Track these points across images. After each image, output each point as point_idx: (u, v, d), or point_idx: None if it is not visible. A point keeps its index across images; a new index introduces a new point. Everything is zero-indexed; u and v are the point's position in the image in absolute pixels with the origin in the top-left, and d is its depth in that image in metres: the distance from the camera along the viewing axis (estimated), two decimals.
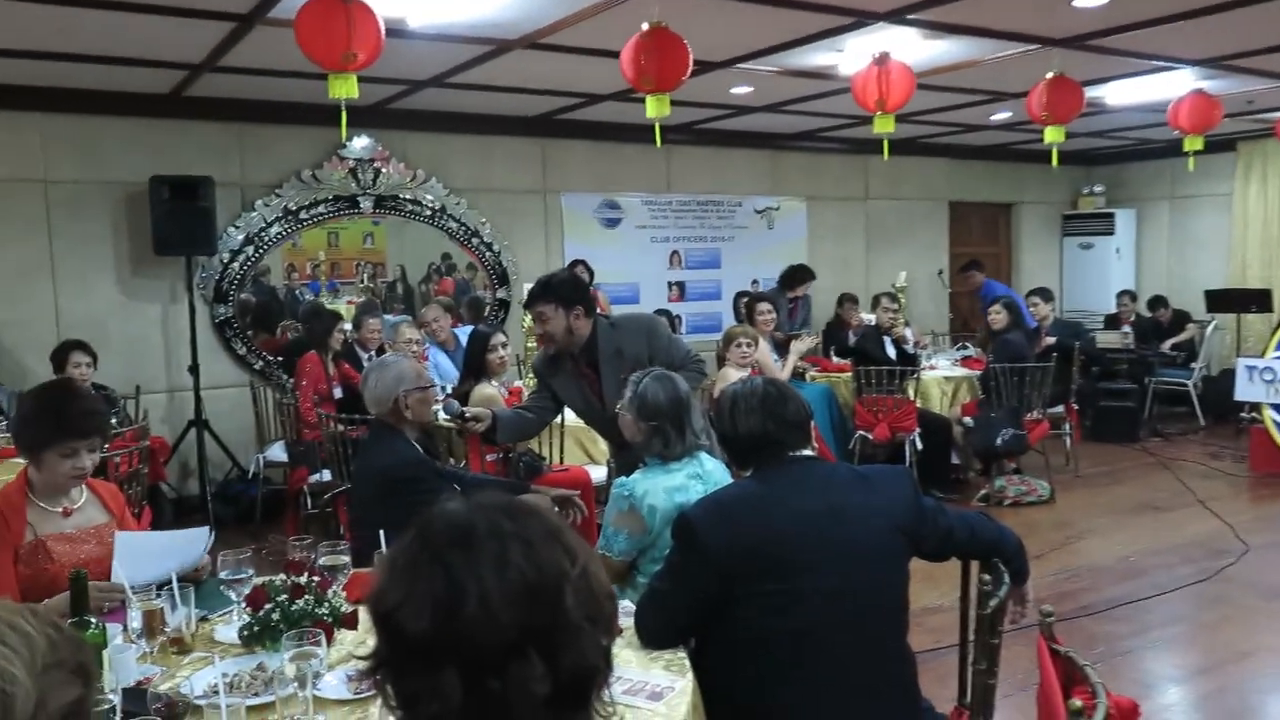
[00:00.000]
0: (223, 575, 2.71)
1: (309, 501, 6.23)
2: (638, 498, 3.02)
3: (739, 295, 9.21)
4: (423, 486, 3.30)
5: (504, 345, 5.80)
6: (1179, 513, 7.18)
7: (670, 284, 9.83)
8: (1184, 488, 7.87)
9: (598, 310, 3.98)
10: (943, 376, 8.00)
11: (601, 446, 5.63)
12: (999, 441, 7.39)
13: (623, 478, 3.09)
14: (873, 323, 8.39)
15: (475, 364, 5.81)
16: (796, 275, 9.10)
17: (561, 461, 5.75)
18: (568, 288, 3.94)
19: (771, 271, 9.86)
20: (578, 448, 5.90)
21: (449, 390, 5.97)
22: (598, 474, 5.65)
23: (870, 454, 7.53)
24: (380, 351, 6.76)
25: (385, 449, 3.45)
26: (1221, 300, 10.42)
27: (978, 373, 7.93)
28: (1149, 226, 12.08)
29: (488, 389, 5.59)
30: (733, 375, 6.26)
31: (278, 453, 7.01)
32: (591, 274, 8.40)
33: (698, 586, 2.34)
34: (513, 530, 1.33)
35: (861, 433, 7.64)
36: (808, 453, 2.52)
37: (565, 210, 9.15)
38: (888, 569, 2.38)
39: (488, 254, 8.79)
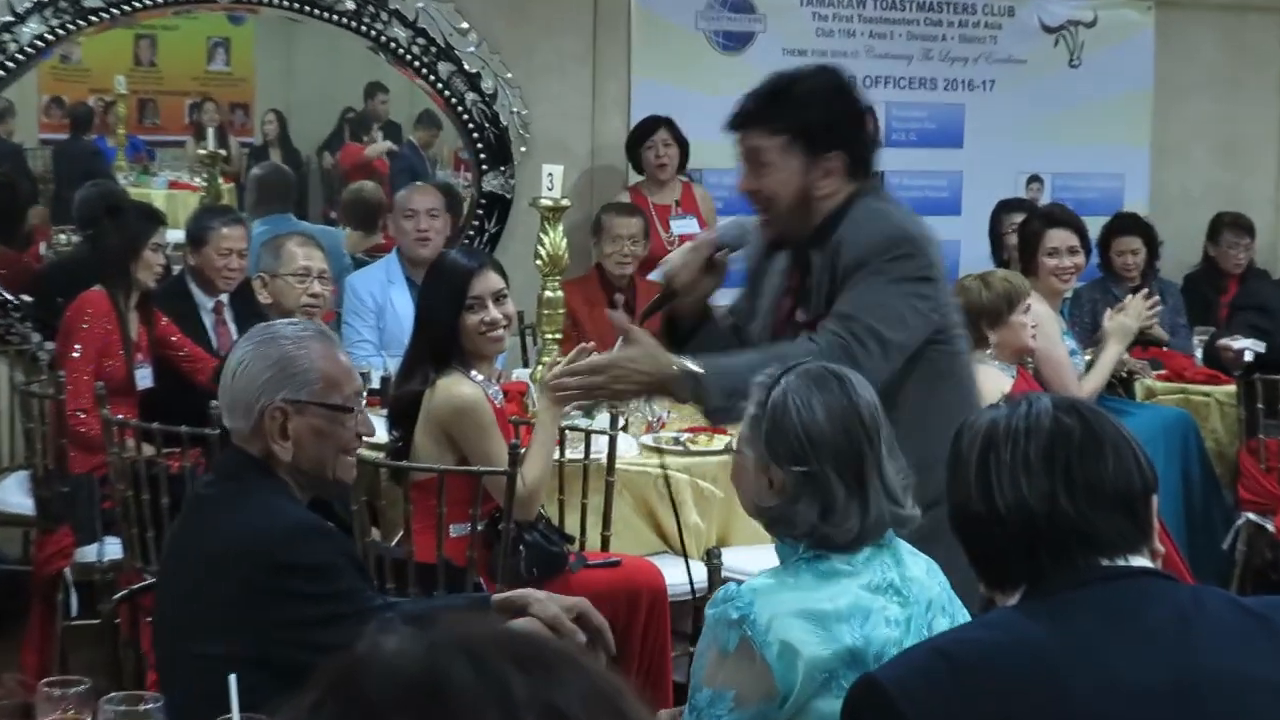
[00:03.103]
0: None
1: (74, 600, 6.11)
2: (758, 628, 3.03)
3: (1003, 207, 8.70)
4: (332, 591, 3.25)
5: (502, 296, 5.37)
6: None
7: None
8: None
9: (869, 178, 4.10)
10: None
11: (690, 518, 5.60)
12: None
13: (733, 585, 3.15)
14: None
15: (441, 333, 5.22)
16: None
17: (606, 546, 5.59)
18: (820, 106, 3.90)
19: (1078, 160, 9.81)
20: (641, 515, 5.77)
21: (376, 381, 6.23)
22: (677, 572, 5.20)
23: (1270, 561, 7.33)
24: (244, 297, 6.71)
25: (251, 507, 3.37)
26: None
27: None
28: None
29: (462, 386, 5.20)
30: (988, 382, 5.38)
31: (12, 495, 6.89)
32: (686, 148, 8.13)
33: None
34: (529, 698, 1.25)
35: (1250, 516, 7.07)
36: (1141, 561, 2.44)
37: (636, 10, 8.69)
38: None
39: (469, 96, 8.34)
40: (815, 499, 3.14)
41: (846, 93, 4.05)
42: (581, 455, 5.55)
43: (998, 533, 2.47)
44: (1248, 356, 7.77)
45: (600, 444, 5.50)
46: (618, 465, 5.55)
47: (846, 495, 3.12)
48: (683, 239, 7.59)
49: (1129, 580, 2.43)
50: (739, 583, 3.23)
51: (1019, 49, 9.51)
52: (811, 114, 3.92)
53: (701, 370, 3.81)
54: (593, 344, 5.24)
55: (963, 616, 3.14)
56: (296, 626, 3.04)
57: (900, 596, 3.13)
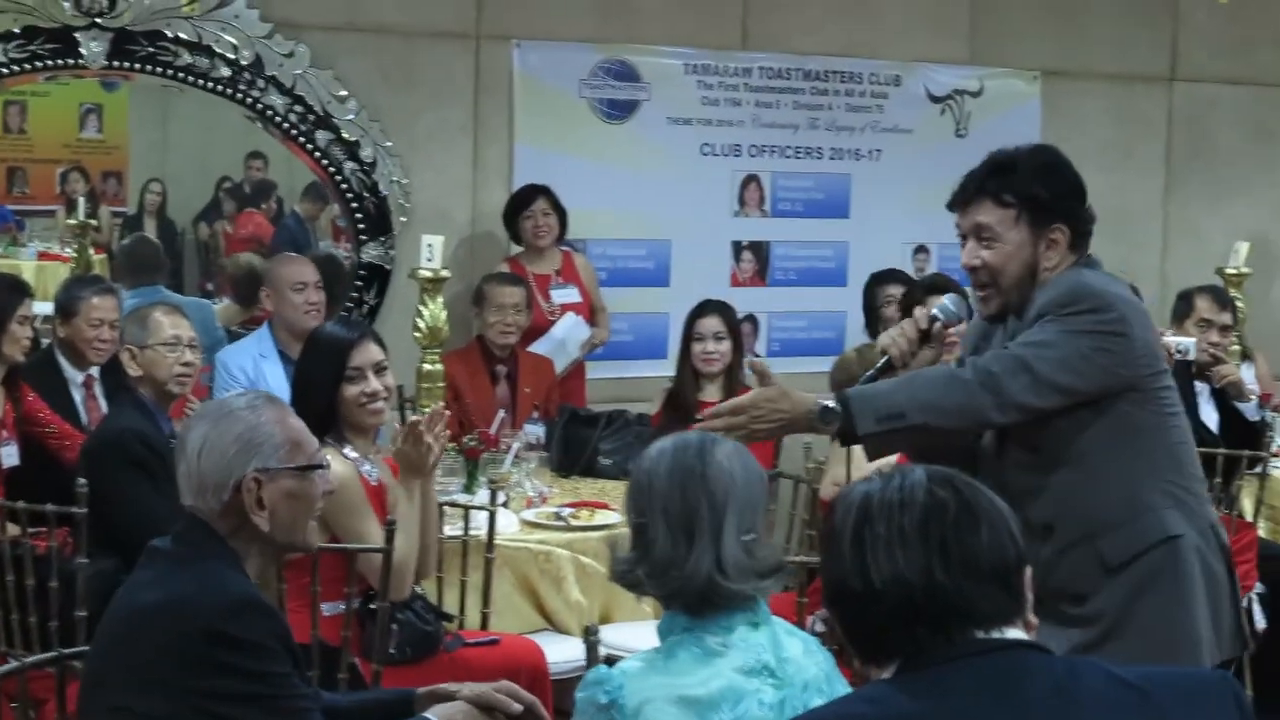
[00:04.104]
0: None
1: None
2: (626, 712, 3.02)
3: (876, 279, 8.49)
4: (260, 670, 3.19)
5: (382, 368, 5.30)
6: None
7: (739, 247, 9.35)
8: None
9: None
10: None
11: (572, 595, 5.70)
12: None
13: (603, 667, 3.15)
14: (1182, 352, 7.41)
15: (319, 406, 5.08)
16: None
17: (486, 624, 5.59)
18: (1045, 180, 3.98)
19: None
20: (521, 593, 5.79)
21: None
22: (560, 650, 5.52)
23: None
24: (113, 371, 6.48)
25: (198, 571, 3.33)
26: None
27: None
28: None
29: (333, 464, 4.59)
30: (861, 456, 5.38)
31: None
32: (563, 215, 8.09)
33: None
34: None
35: None
36: (1016, 634, 2.39)
37: (519, 77, 8.69)
38: None
39: (348, 165, 8.20)
40: (644, 550, 3.17)
41: (1067, 168, 4.13)
42: (460, 531, 5.48)
43: (873, 607, 2.43)
44: (1177, 356, 7.59)
45: (479, 520, 5.43)
46: (497, 541, 5.52)
47: (671, 550, 3.12)
48: (564, 309, 7.55)
49: (1005, 653, 2.40)
50: (609, 664, 3.23)
51: (905, 119, 9.53)
52: (1038, 188, 3.99)
53: (837, 405, 3.85)
54: (443, 406, 5.24)
55: (842, 693, 3.11)
56: (215, 697, 3.01)
57: (775, 679, 3.10)
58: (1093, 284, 4.07)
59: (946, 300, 4.29)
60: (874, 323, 8.33)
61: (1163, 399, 4.07)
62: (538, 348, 7.47)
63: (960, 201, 4.13)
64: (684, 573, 3.14)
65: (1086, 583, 3.85)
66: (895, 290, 7.86)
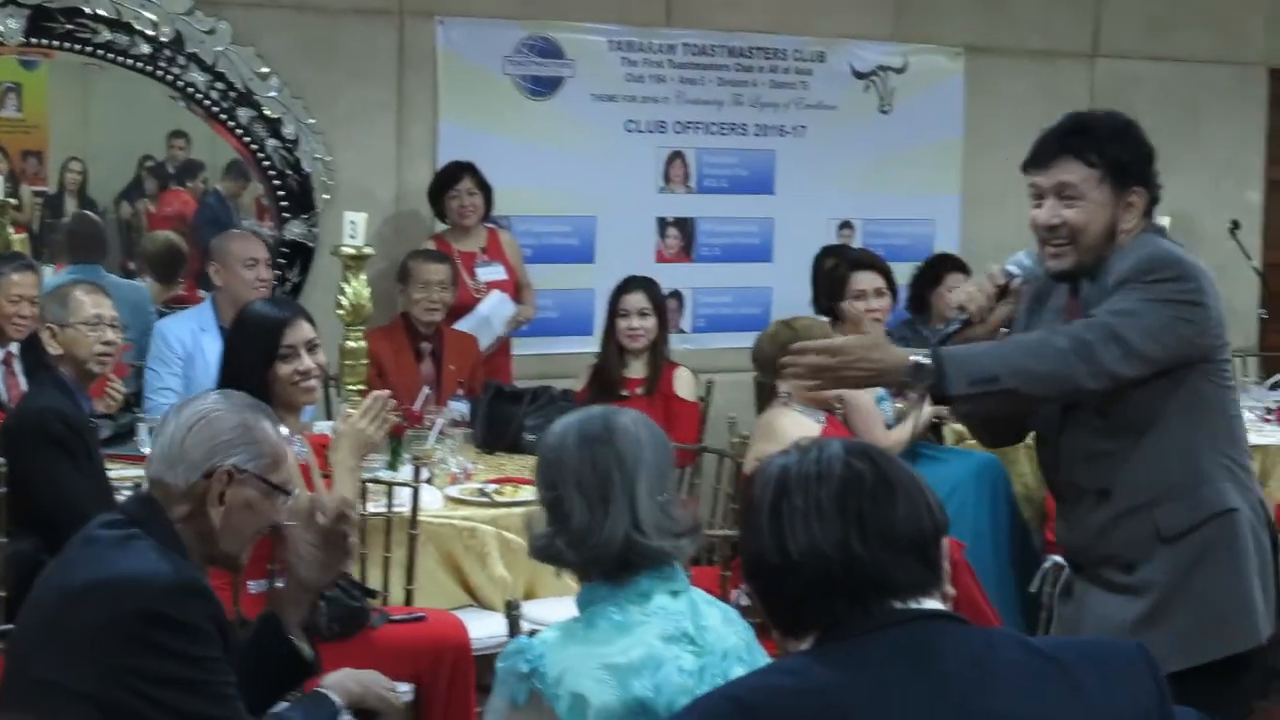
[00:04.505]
0: None
1: None
2: (548, 680, 3.07)
3: (823, 255, 8.69)
4: (193, 655, 3.21)
5: (314, 345, 5.33)
6: None
7: (664, 223, 9.41)
8: None
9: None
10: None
11: (496, 571, 5.64)
12: None
13: (524, 637, 3.23)
14: None
15: (251, 386, 4.68)
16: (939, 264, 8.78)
17: (410, 600, 5.50)
18: (1125, 143, 4.04)
19: (889, 206, 9.91)
20: (445, 569, 5.72)
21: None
22: (484, 625, 5.46)
23: None
24: (34, 349, 6.26)
25: (140, 550, 3.32)
26: None
27: None
28: None
29: None
30: (787, 430, 5.68)
31: None
32: (489, 193, 8.11)
33: None
34: None
35: (1057, 559, 6.38)
36: (933, 604, 2.42)
37: (443, 54, 8.70)
38: None
39: (270, 142, 8.24)
40: (561, 522, 3.21)
41: (1142, 133, 4.17)
42: (384, 508, 5.47)
43: (791, 579, 2.46)
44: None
45: (403, 496, 5.43)
46: (421, 518, 5.51)
47: (589, 517, 3.16)
48: (489, 286, 7.58)
49: (922, 624, 2.43)
50: (530, 635, 3.29)
51: (830, 95, 9.56)
52: (1119, 150, 4.04)
53: (931, 361, 3.87)
54: (389, 393, 5.13)
55: (763, 663, 3.12)
56: (147, 678, 3.00)
57: (695, 646, 3.12)
58: (1172, 252, 4.12)
59: (1022, 255, 4.30)
60: (817, 290, 8.36)
61: (1225, 372, 4.13)
62: (463, 325, 7.47)
63: (1042, 159, 4.14)
64: (602, 538, 3.17)
65: (1140, 550, 3.86)
66: (829, 261, 7.93)
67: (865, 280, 7.33)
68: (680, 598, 3.22)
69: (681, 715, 2.47)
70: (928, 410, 6.84)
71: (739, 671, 3.04)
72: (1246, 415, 8.05)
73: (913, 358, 3.89)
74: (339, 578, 5.17)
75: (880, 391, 6.97)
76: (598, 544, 3.20)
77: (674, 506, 3.32)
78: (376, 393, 5.17)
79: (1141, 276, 4.02)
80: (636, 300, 7.04)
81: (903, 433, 6.79)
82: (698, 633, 3.16)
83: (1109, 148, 4.07)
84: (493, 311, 7.70)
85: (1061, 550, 4.46)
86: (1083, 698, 2.38)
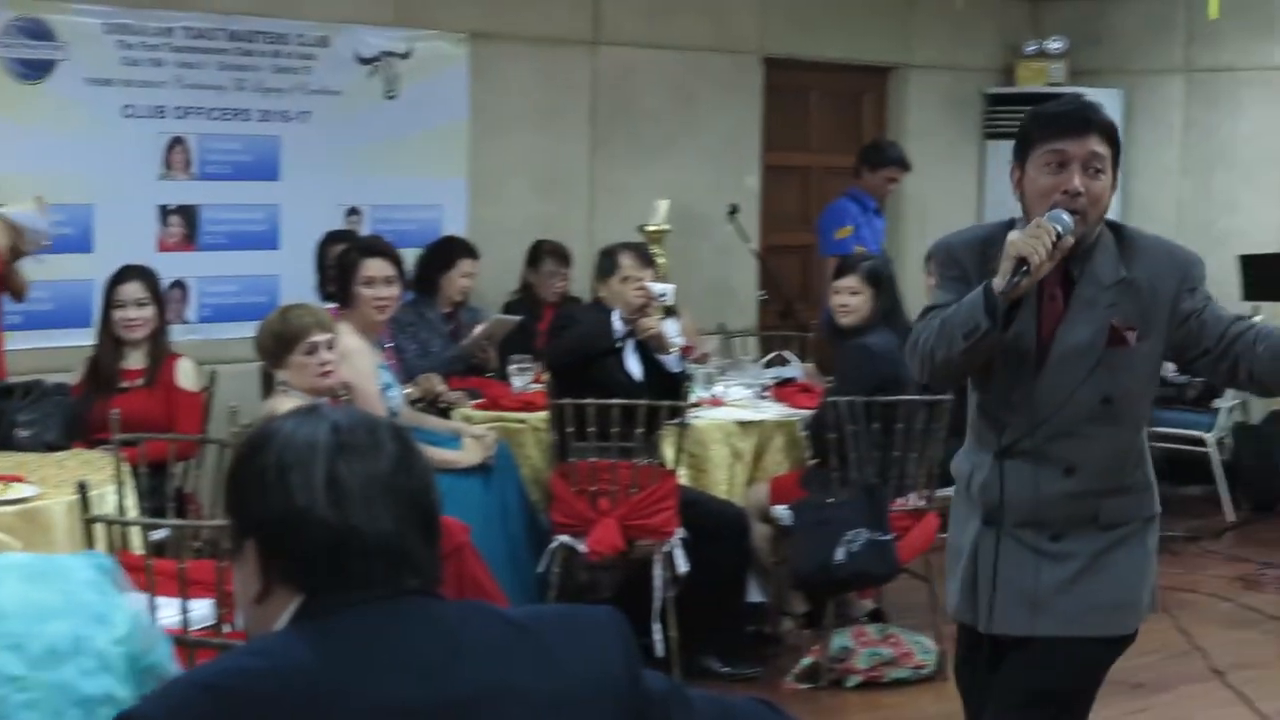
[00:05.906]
0: None
1: None
2: None
3: (331, 238, 8.82)
4: None
5: None
6: (1181, 695, 7.24)
7: (166, 211, 9.27)
8: (1190, 646, 7.93)
9: None
10: (737, 421, 8.03)
11: None
12: (841, 556, 7.07)
13: None
14: (663, 296, 8.05)
15: None
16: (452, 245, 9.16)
17: None
18: (1117, 137, 4.37)
19: (397, 191, 10.05)
20: None
21: None
22: None
23: (585, 583, 7.60)
24: None
25: None
26: (1273, 274, 10.79)
27: (808, 413, 7.98)
28: (1149, 122, 12.53)
29: None
30: (286, 406, 5.76)
31: None
32: None
33: None
34: None
35: (563, 539, 7.27)
36: (414, 581, 2.43)
37: None
38: None
39: None
40: None
41: None
42: None
43: (278, 544, 2.45)
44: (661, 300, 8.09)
45: None
46: None
47: None
48: None
49: (398, 600, 2.44)
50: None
51: (334, 80, 9.61)
52: (1117, 143, 4.29)
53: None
54: None
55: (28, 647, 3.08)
56: None
57: None
58: (1146, 237, 4.45)
59: (1061, 213, 4.33)
60: (326, 282, 8.36)
61: None
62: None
63: (1076, 130, 4.23)
64: None
65: (1073, 526, 4.10)
66: (335, 247, 7.99)
67: (375, 267, 7.32)
68: None
69: (147, 707, 2.40)
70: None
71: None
72: (743, 393, 8.44)
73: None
74: None
75: (388, 377, 7.01)
76: None
77: None
78: None
79: (1201, 279, 4.38)
80: (132, 290, 6.93)
81: (413, 419, 7.02)
82: None
83: (1116, 137, 4.29)
84: None
85: (981, 503, 4.63)
86: (551, 663, 2.43)
